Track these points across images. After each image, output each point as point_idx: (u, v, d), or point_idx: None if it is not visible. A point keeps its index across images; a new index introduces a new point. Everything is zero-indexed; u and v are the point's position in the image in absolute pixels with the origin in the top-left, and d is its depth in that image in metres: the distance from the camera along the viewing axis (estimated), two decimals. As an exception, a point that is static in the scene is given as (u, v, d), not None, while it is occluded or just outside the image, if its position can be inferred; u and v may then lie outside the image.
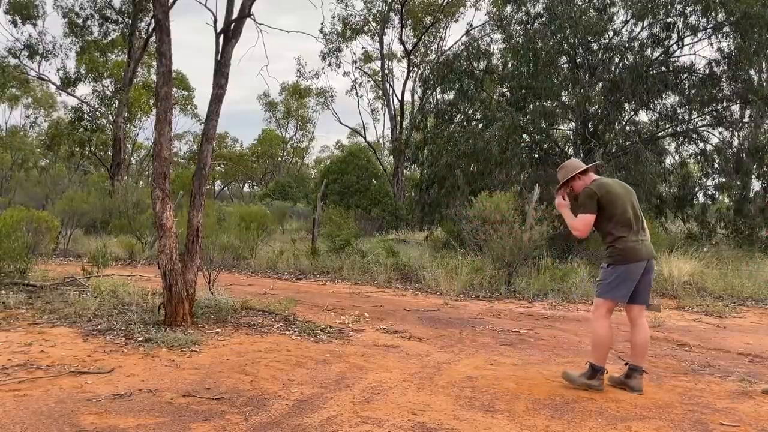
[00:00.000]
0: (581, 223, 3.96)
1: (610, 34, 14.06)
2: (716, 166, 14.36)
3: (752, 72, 13.32)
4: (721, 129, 14.27)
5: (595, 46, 14.08)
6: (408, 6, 28.67)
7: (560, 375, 4.18)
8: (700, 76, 13.62)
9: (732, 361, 5.01)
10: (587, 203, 3.95)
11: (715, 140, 14.51)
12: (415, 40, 30.48)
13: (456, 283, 8.91)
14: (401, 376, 4.24)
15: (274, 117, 47.56)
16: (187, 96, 37.16)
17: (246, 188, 56.48)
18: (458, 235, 11.26)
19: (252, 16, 5.97)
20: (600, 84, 13.59)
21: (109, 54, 27.00)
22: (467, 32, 19.50)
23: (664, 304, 7.93)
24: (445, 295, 8.52)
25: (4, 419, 3.15)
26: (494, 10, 19.48)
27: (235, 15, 5.90)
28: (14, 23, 23.87)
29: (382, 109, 36.85)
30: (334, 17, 33.48)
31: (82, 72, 25.60)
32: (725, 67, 13.44)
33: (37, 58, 23.98)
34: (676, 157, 15.31)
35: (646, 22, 13.59)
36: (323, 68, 50.01)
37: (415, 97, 29.68)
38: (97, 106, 26.31)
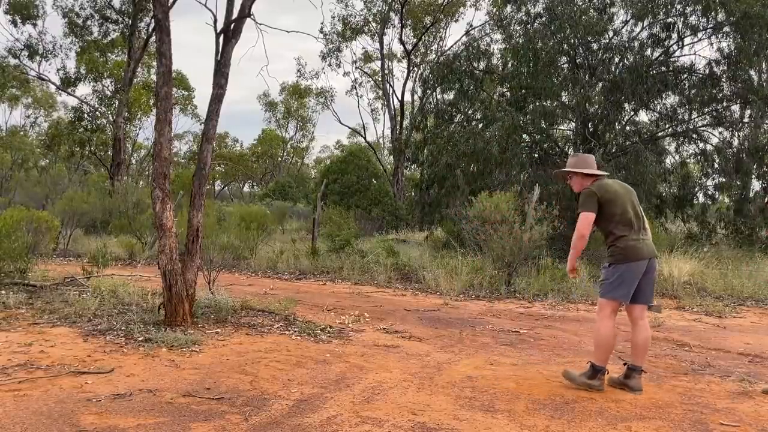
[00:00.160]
0: (583, 223, 3.96)
1: (610, 34, 14.06)
2: (716, 166, 14.36)
3: (752, 72, 13.31)
4: (721, 129, 14.27)
5: (595, 46, 14.08)
6: (408, 6, 28.66)
7: (561, 374, 4.18)
8: (700, 76, 13.62)
9: (732, 361, 5.02)
10: (587, 202, 3.97)
11: (715, 140, 14.53)
12: (415, 40, 30.48)
13: (456, 283, 8.91)
14: (401, 376, 4.24)
15: (274, 117, 47.60)
16: (187, 96, 37.17)
17: (246, 188, 56.50)
18: (458, 235, 11.26)
19: (252, 16, 5.97)
20: (600, 84, 13.59)
21: (109, 54, 26.99)
22: (467, 32, 19.50)
23: (665, 304, 7.93)
24: (445, 295, 8.52)
25: (4, 419, 3.15)
26: (494, 10, 19.48)
27: (235, 15, 5.90)
28: (14, 23, 23.87)
29: (382, 109, 36.88)
30: (334, 17, 33.53)
31: (82, 72, 25.58)
32: (725, 67, 13.43)
33: (37, 58, 23.98)
34: (676, 157, 15.33)
35: (646, 22, 13.59)
36: (323, 68, 50.13)
37: (415, 97, 29.70)
38: (97, 106, 26.30)
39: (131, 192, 16.00)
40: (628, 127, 14.48)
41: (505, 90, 15.35)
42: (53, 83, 25.70)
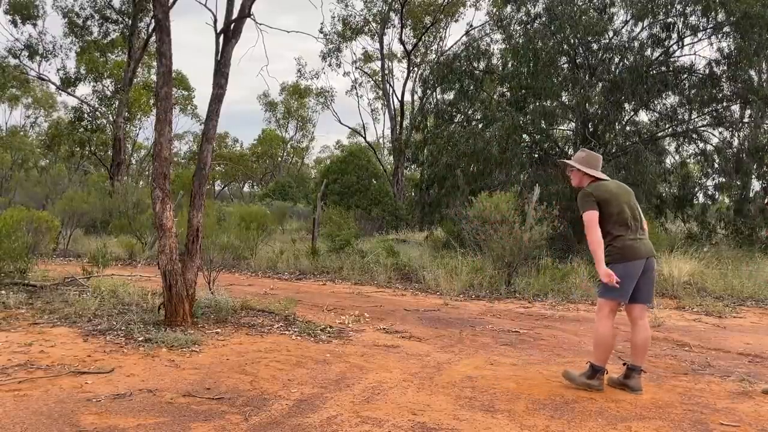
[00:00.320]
0: (590, 225, 3.93)
1: (610, 34, 14.06)
2: (716, 166, 14.36)
3: (752, 72, 13.31)
4: (721, 129, 14.27)
5: (595, 46, 14.08)
6: (408, 6, 28.66)
7: (561, 374, 4.18)
8: (700, 76, 13.62)
9: (732, 361, 5.02)
10: (586, 202, 3.98)
11: (715, 140, 14.52)
12: (415, 40, 30.48)
13: (456, 283, 8.91)
14: (401, 376, 4.24)
15: (274, 117, 47.60)
16: (187, 96, 37.17)
17: (246, 188, 56.50)
18: (458, 235, 11.26)
19: (252, 16, 5.97)
20: (600, 84, 13.59)
21: (109, 54, 26.98)
22: (467, 32, 19.51)
23: (664, 304, 7.94)
24: (445, 295, 8.52)
25: (4, 419, 3.15)
26: (494, 10, 19.50)
27: (235, 15, 5.90)
28: (14, 23, 23.87)
29: (382, 109, 36.87)
30: (334, 17, 33.57)
31: (82, 72, 25.57)
32: (725, 67, 13.43)
33: (37, 58, 23.98)
34: (676, 157, 15.32)
35: (646, 22, 13.59)
36: (323, 68, 50.06)
37: (415, 97, 29.68)
38: (97, 106, 26.30)
39: (131, 192, 15.99)
40: (628, 127, 14.48)
41: (505, 90, 15.34)
42: (53, 83, 25.73)
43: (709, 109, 13.90)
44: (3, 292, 6.75)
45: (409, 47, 30.31)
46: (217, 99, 5.85)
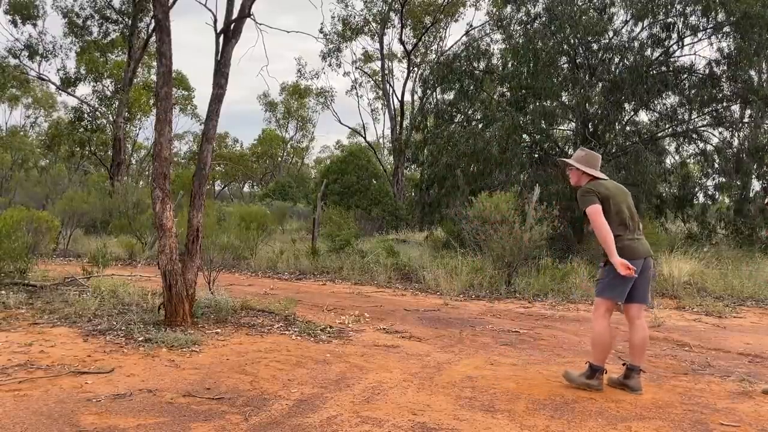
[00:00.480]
0: (595, 217, 3.90)
1: (610, 34, 14.05)
2: (716, 166, 14.35)
3: (752, 72, 13.31)
4: (721, 129, 14.26)
5: (595, 46, 14.07)
6: (408, 6, 28.66)
7: (561, 375, 4.19)
8: (700, 76, 13.62)
9: (732, 361, 5.02)
10: (588, 198, 3.96)
11: (715, 140, 14.52)
12: (415, 40, 30.48)
13: (456, 283, 8.91)
14: (401, 376, 4.24)
15: (274, 117, 47.61)
16: (187, 96, 37.19)
17: (246, 188, 56.52)
18: (458, 235, 11.25)
19: (252, 16, 5.97)
20: (600, 84, 13.59)
21: (109, 54, 26.99)
22: (467, 32, 19.51)
23: (664, 304, 7.94)
24: (445, 295, 8.52)
25: (4, 419, 3.15)
26: (494, 10, 19.51)
27: (235, 15, 5.90)
28: (14, 23, 23.87)
29: (382, 109, 36.86)
30: (334, 17, 33.54)
31: (82, 72, 25.58)
32: (725, 67, 13.43)
33: (37, 58, 23.98)
34: (676, 157, 15.32)
35: (646, 22, 13.58)
36: (323, 68, 50.15)
37: (415, 97, 29.69)
38: (97, 106, 26.30)
39: (131, 192, 15.99)
40: (628, 127, 14.48)
41: (505, 90, 15.33)
42: (53, 83, 25.73)
43: (709, 109, 13.89)
44: (3, 292, 6.75)
45: (409, 47, 30.31)
46: (217, 99, 5.85)
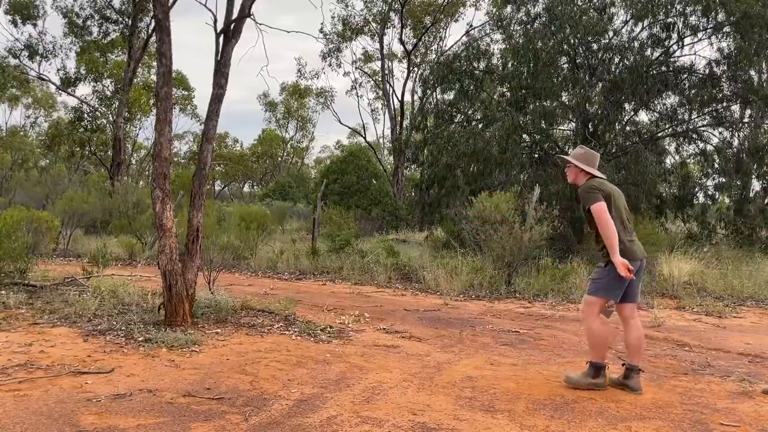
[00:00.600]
0: (599, 211, 3.88)
1: (610, 34, 14.05)
2: (716, 166, 14.35)
3: (752, 72, 13.31)
4: (721, 129, 14.26)
5: (595, 46, 14.07)
6: (408, 6, 28.66)
7: (562, 380, 4.15)
8: (700, 76, 13.62)
9: (732, 361, 5.01)
10: (593, 195, 3.95)
11: (715, 140, 14.52)
12: (415, 40, 30.48)
13: (456, 283, 8.91)
14: (401, 376, 4.24)
15: (274, 117, 47.61)
16: (187, 96, 37.19)
17: (246, 188, 56.52)
18: (458, 235, 11.25)
19: (252, 16, 5.97)
20: (600, 84, 13.58)
21: (109, 54, 26.99)
22: (467, 32, 19.51)
23: (664, 304, 7.94)
24: (445, 295, 8.52)
25: (4, 419, 3.15)
26: (494, 10, 19.51)
27: (235, 15, 5.90)
28: (14, 23, 23.88)
29: (382, 109, 36.87)
30: (334, 17, 33.49)
31: (82, 72, 25.58)
32: (725, 67, 13.43)
33: (37, 58, 23.98)
34: (676, 157, 15.31)
35: (646, 23, 13.58)
36: (323, 68, 50.14)
37: (415, 97, 29.70)
38: (97, 106, 26.30)
39: (131, 192, 15.99)
40: (628, 127, 14.48)
41: (505, 90, 15.33)
42: (53, 83, 25.73)
43: (709, 109, 13.89)
44: (3, 292, 6.75)
45: (409, 47, 30.32)
46: (217, 99, 5.86)
